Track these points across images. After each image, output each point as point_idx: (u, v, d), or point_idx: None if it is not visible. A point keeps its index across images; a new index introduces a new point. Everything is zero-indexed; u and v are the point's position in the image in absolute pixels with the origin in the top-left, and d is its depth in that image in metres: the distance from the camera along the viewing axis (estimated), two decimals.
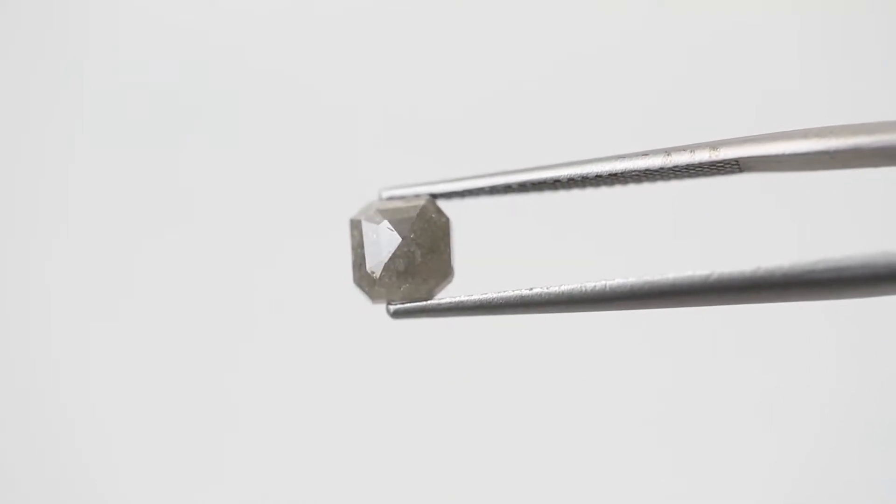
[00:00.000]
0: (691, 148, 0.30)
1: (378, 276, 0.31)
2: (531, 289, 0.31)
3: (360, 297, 0.32)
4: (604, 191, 0.31)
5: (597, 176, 0.30)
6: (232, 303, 0.62)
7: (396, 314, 0.32)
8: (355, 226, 0.31)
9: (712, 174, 0.30)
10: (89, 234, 0.63)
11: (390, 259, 0.31)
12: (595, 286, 0.30)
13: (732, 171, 0.30)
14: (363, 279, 0.32)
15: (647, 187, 0.31)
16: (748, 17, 0.61)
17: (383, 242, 0.31)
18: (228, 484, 0.61)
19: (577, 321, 0.58)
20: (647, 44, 0.61)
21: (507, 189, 0.31)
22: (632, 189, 0.31)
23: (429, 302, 0.32)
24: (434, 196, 0.31)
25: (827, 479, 0.59)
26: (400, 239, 0.31)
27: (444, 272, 0.32)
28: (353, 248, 0.31)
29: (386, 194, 0.31)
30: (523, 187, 0.31)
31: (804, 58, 0.61)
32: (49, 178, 0.63)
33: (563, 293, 0.30)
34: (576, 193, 0.31)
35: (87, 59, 0.63)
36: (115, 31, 0.63)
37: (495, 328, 0.59)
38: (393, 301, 0.32)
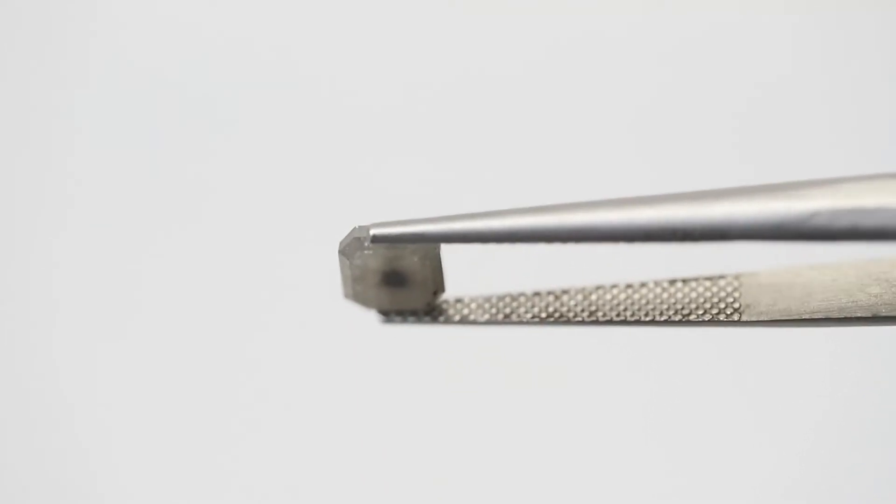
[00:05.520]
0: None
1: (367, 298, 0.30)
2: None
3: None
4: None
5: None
6: (235, 303, 0.62)
7: (387, 322, 0.31)
8: (343, 260, 0.30)
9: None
10: (88, 233, 0.63)
11: (379, 288, 0.30)
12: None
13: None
14: (354, 298, 0.31)
15: None
16: (739, 12, 0.61)
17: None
18: (222, 488, 0.61)
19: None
20: (638, 38, 0.61)
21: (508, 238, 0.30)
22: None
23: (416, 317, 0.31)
24: (422, 239, 0.30)
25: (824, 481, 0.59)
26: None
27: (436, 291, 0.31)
28: (343, 276, 0.30)
29: (372, 233, 0.30)
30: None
31: (796, 50, 0.61)
32: (50, 176, 0.63)
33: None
34: None
35: (90, 56, 0.63)
36: (119, 25, 0.63)
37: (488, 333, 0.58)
38: (387, 313, 0.31)
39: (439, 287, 0.30)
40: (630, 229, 0.26)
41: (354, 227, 0.30)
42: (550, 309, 0.30)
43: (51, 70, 0.63)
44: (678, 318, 0.29)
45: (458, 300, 0.31)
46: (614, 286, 0.31)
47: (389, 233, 0.29)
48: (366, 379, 0.61)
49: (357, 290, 0.30)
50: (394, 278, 0.30)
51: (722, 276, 0.30)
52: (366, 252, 0.29)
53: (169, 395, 0.62)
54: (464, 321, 0.31)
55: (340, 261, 0.30)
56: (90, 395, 0.62)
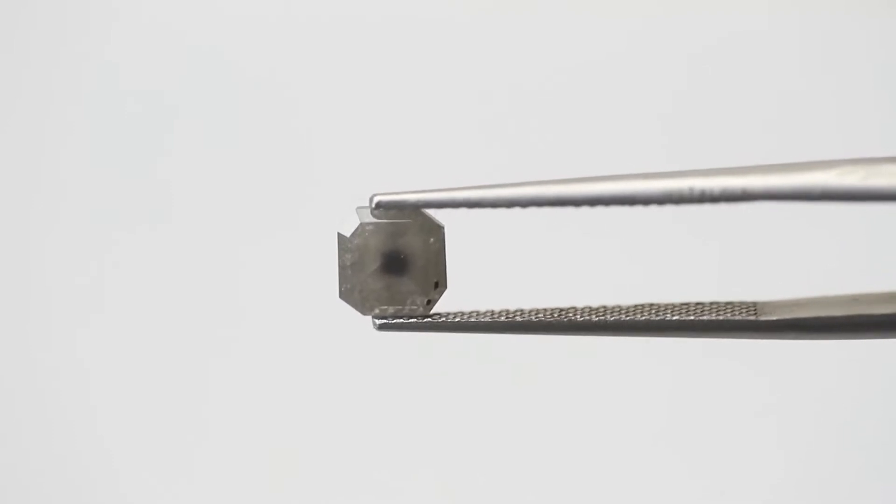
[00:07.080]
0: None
1: (365, 293, 0.29)
2: (519, 314, 0.29)
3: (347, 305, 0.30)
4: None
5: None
6: (235, 305, 0.62)
7: (383, 328, 0.29)
8: (342, 242, 0.29)
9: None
10: (86, 230, 0.63)
11: (378, 277, 0.29)
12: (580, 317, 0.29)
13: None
14: (351, 293, 0.29)
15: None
16: (753, 21, 0.61)
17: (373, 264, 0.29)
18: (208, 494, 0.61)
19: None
20: (650, 48, 0.62)
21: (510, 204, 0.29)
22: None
23: (415, 320, 0.29)
24: (427, 205, 0.29)
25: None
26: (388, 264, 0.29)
27: (437, 283, 0.29)
28: (341, 265, 0.29)
29: (376, 200, 0.29)
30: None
31: (810, 60, 0.61)
32: (36, 177, 0.63)
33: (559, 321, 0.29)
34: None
35: (73, 61, 0.63)
36: (103, 31, 0.64)
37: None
38: (383, 315, 0.29)
39: (441, 278, 0.29)
40: (646, 190, 0.25)
41: (357, 207, 0.28)
42: (556, 315, 0.29)
43: (47, 71, 0.64)
44: (692, 317, 0.28)
45: (459, 311, 0.30)
46: (621, 305, 0.29)
47: (393, 199, 0.28)
48: (364, 380, 0.61)
49: (354, 283, 0.29)
50: (394, 262, 0.28)
51: (738, 301, 0.29)
52: (367, 227, 0.28)
53: (166, 396, 0.61)
54: (462, 326, 0.29)
55: (339, 244, 0.29)
56: (84, 395, 0.62)
